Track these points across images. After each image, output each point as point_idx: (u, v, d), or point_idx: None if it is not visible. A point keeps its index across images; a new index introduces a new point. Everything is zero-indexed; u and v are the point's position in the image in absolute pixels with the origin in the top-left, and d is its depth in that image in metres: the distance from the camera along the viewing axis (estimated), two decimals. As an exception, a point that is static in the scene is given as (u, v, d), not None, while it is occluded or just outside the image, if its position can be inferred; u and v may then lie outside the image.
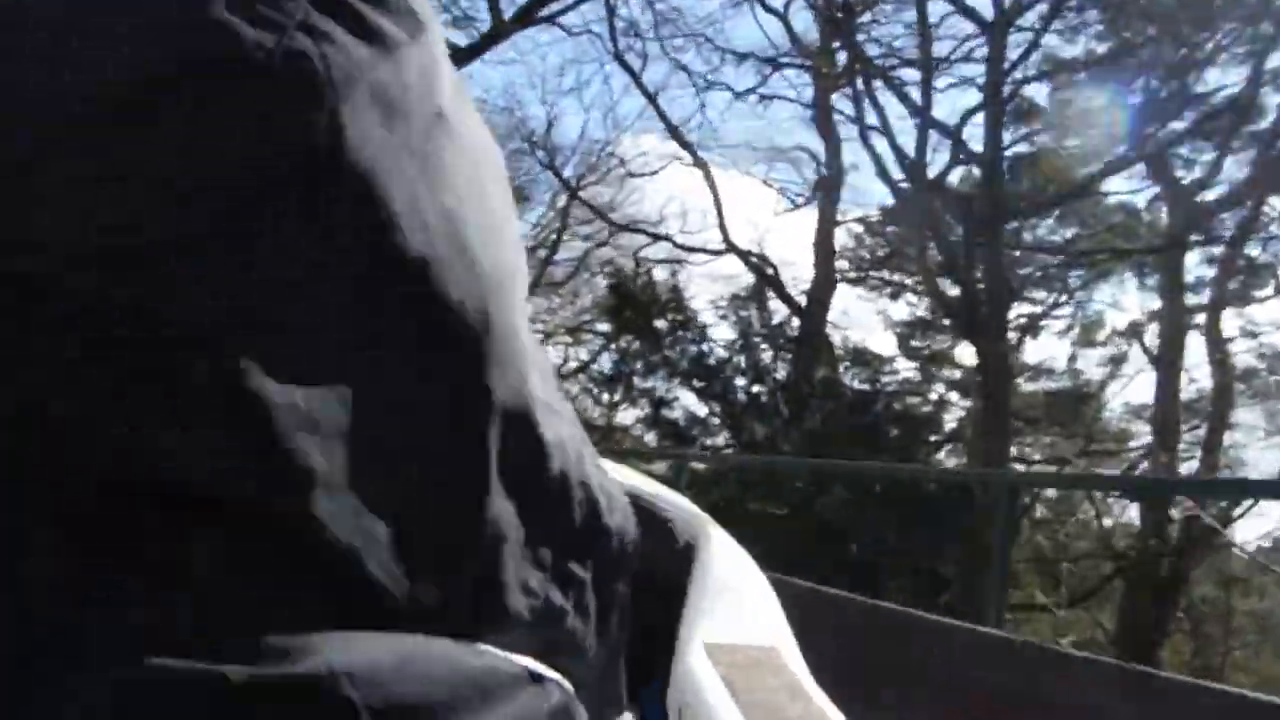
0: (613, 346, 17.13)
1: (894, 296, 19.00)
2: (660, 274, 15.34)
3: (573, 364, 20.25)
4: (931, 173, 13.45)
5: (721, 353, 13.25)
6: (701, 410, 13.08)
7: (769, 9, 15.24)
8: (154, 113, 0.27)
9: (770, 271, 14.54)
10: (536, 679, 0.36)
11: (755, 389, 13.04)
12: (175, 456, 0.28)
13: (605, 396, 18.61)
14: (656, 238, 17.23)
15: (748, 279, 15.14)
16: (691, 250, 16.79)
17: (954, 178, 14.18)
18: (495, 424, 0.35)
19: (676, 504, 1.19)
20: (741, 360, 13.25)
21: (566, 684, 0.38)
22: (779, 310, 14.31)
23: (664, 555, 1.12)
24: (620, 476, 1.16)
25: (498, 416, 0.35)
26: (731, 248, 15.03)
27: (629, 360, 13.70)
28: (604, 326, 19.52)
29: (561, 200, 18.82)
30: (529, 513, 0.37)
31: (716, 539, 1.20)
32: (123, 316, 0.27)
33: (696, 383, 12.90)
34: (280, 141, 0.28)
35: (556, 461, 0.39)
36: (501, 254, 0.36)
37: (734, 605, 1.08)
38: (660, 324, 13.25)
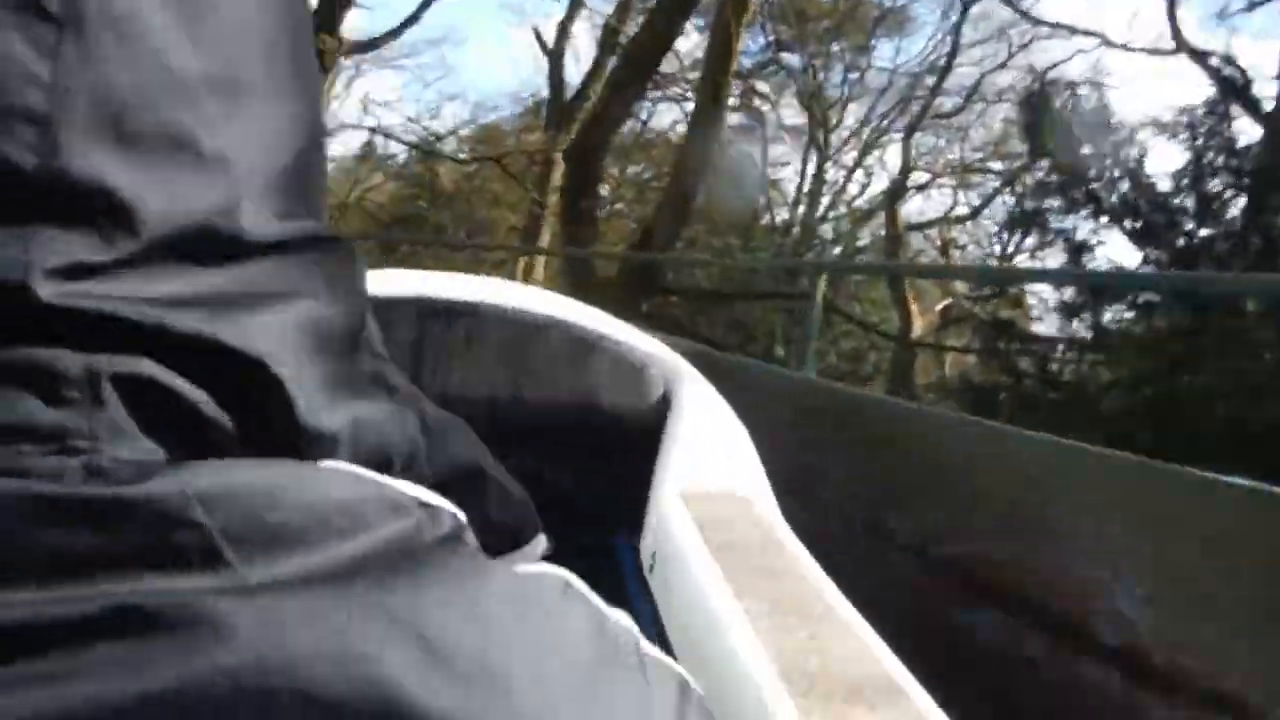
0: (1015, 185, 14.85)
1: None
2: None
3: (962, 209, 18.07)
4: None
5: (1163, 186, 10.65)
6: (1132, 258, 10.68)
7: None
8: None
9: (1239, 81, 11.36)
10: (426, 506, 0.35)
11: (1206, 232, 10.41)
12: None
13: (998, 247, 16.36)
14: (1086, 34, 14.35)
15: (1194, 97, 12.10)
16: (1130, 51, 13.78)
17: None
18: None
19: (652, 350, 1.79)
20: (1189, 200, 10.59)
21: (460, 514, 0.37)
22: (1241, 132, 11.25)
23: (639, 403, 1.65)
24: (595, 321, 1.77)
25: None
26: (1184, 46, 11.90)
27: (1037, 197, 11.46)
28: (998, 165, 17.10)
29: (954, 15, 16.33)
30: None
31: (692, 386, 1.71)
32: None
33: (1129, 223, 10.50)
34: None
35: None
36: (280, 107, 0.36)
37: (710, 453, 1.49)
38: (1084, 151, 10.84)
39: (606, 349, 1.79)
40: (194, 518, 0.28)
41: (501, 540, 0.43)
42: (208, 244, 0.32)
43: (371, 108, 16.43)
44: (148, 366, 0.30)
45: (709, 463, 1.46)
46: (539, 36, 17.86)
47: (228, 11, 0.32)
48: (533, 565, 0.40)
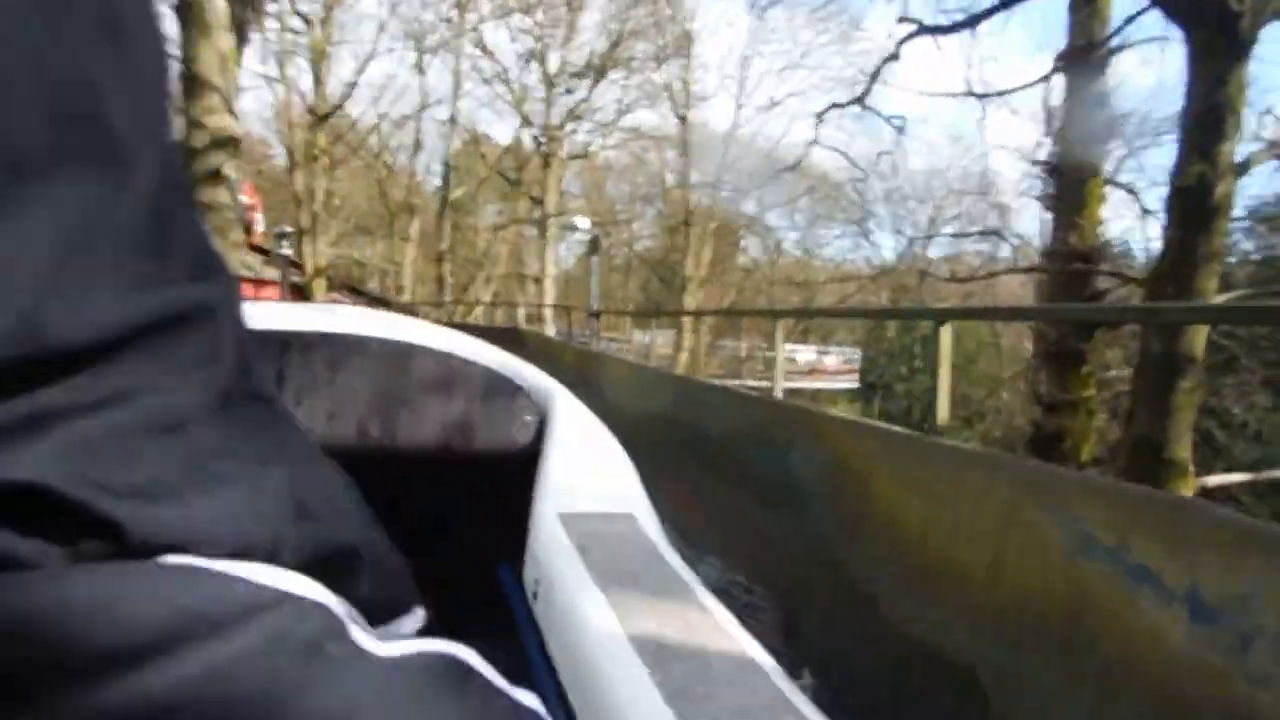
0: None
1: None
2: None
3: None
4: None
5: None
6: None
7: None
8: None
9: None
10: (291, 599, 0.32)
11: None
12: None
13: None
14: None
15: None
16: None
17: None
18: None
19: (528, 375, 1.75)
20: None
21: (332, 601, 0.34)
22: None
23: (514, 428, 1.63)
24: (465, 347, 1.76)
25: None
26: None
27: None
28: None
29: None
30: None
31: (567, 409, 1.70)
32: None
33: None
34: None
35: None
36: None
37: (588, 474, 1.45)
38: None
39: (477, 374, 1.76)
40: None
41: (377, 616, 0.38)
42: None
43: None
44: None
45: (588, 483, 1.44)
46: None
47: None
48: (420, 645, 0.36)
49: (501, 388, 1.76)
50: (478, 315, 29.99)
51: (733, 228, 33.24)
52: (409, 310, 28.11)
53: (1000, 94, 12.63)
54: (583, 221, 17.08)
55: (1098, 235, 10.24)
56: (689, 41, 30.40)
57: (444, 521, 1.79)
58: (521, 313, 29.19)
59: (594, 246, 14.72)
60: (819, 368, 32.79)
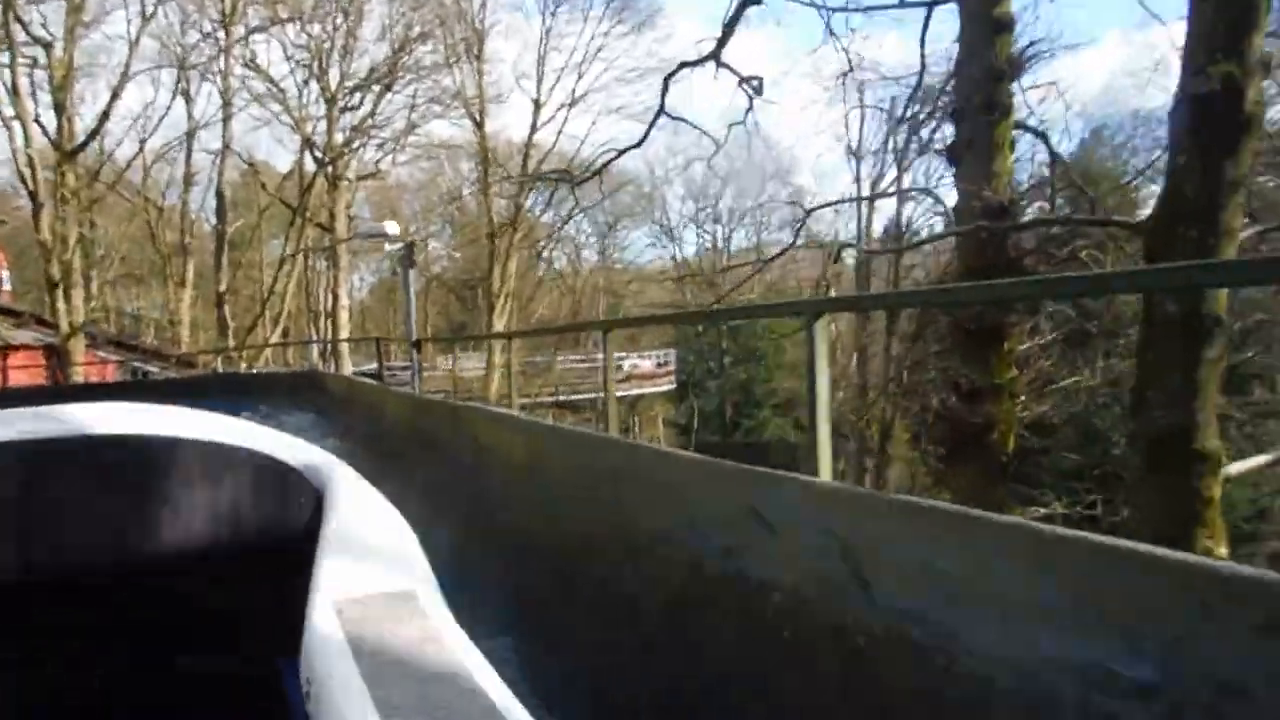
0: None
1: None
2: None
3: None
4: None
5: None
6: None
7: None
8: None
9: None
10: None
11: None
12: None
13: None
14: None
15: None
16: None
17: None
18: None
19: (302, 453, 1.75)
20: None
21: None
22: None
23: (290, 514, 1.63)
24: (232, 433, 1.74)
25: None
26: None
27: None
28: None
29: None
30: None
31: (347, 489, 1.63)
32: None
33: None
34: None
35: None
36: None
37: (367, 556, 1.39)
38: None
39: (246, 460, 1.72)
40: None
41: None
42: None
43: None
44: None
45: (367, 562, 1.38)
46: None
47: None
48: None
49: (273, 471, 1.70)
50: (268, 357, 27.09)
51: (536, 238, 31.66)
52: (187, 362, 24.97)
53: (872, 9, 11.31)
54: (391, 227, 14.61)
55: (1010, 185, 9.24)
56: (480, 40, 28.68)
57: (221, 619, 1.70)
58: (315, 351, 26.54)
59: (409, 256, 12.31)
60: (635, 373, 31.68)
